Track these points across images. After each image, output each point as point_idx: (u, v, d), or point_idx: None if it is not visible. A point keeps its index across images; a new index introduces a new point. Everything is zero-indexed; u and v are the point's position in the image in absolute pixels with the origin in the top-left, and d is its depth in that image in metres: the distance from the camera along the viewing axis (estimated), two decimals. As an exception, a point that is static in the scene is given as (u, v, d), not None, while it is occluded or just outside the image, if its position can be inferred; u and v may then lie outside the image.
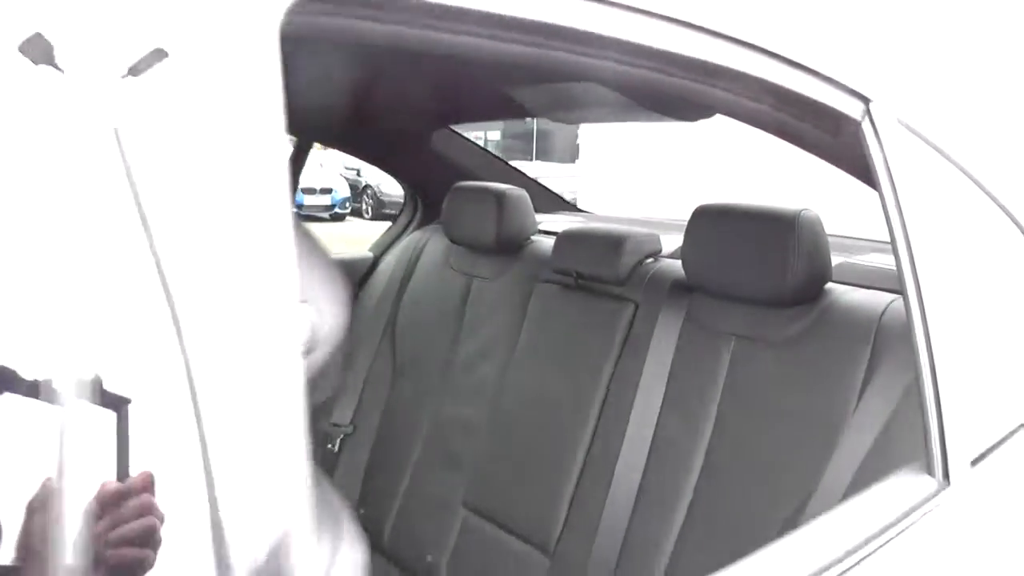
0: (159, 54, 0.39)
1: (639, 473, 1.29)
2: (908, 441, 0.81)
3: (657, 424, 1.29)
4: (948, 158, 0.88)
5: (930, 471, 0.74)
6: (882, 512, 0.69)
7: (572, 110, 1.38)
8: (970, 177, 0.90)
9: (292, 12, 0.41)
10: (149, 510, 0.38)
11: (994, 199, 0.92)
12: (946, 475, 0.75)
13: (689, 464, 1.24)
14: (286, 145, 1.21)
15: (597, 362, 1.40)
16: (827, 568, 0.63)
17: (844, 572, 0.63)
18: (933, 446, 0.74)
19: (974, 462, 0.78)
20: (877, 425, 1.02)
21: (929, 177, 0.85)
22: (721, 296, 1.24)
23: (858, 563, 0.64)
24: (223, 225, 0.41)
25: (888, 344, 1.05)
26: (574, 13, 0.55)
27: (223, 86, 0.41)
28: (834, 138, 0.83)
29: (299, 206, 16.19)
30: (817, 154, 0.93)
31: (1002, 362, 0.89)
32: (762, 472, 1.14)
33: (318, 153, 21.74)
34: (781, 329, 1.17)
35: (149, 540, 0.38)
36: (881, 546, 0.66)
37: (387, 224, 2.35)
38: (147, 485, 0.38)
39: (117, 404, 0.39)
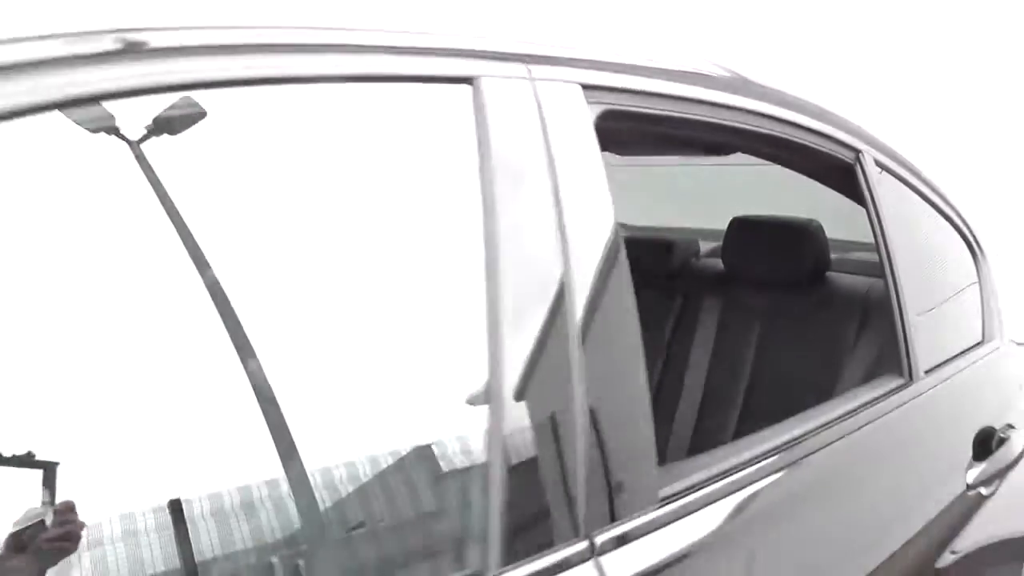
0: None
1: (694, 416, 1.80)
2: (884, 372, 1.32)
3: (706, 379, 1.81)
4: (906, 183, 1.41)
5: (900, 374, 1.26)
6: (866, 397, 1.20)
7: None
8: (920, 195, 1.43)
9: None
10: None
11: (938, 209, 1.46)
12: (910, 377, 1.27)
13: (732, 406, 1.76)
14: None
15: (656, 337, 1.89)
16: (820, 430, 1.09)
17: (836, 436, 1.10)
18: (903, 358, 1.26)
19: (928, 371, 1.30)
20: (864, 365, 1.54)
21: (895, 197, 1.37)
22: (752, 283, 1.76)
23: (845, 435, 1.12)
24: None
25: (871, 312, 1.58)
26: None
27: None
28: (835, 175, 1.36)
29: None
30: (818, 180, 1.44)
31: (945, 314, 1.42)
32: (787, 407, 1.65)
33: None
34: (797, 305, 1.69)
35: None
36: (862, 422, 1.16)
37: None
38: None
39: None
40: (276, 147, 0.72)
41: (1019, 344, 1.61)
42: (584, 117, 0.85)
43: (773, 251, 1.69)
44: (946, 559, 1.22)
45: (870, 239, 1.32)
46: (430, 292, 0.76)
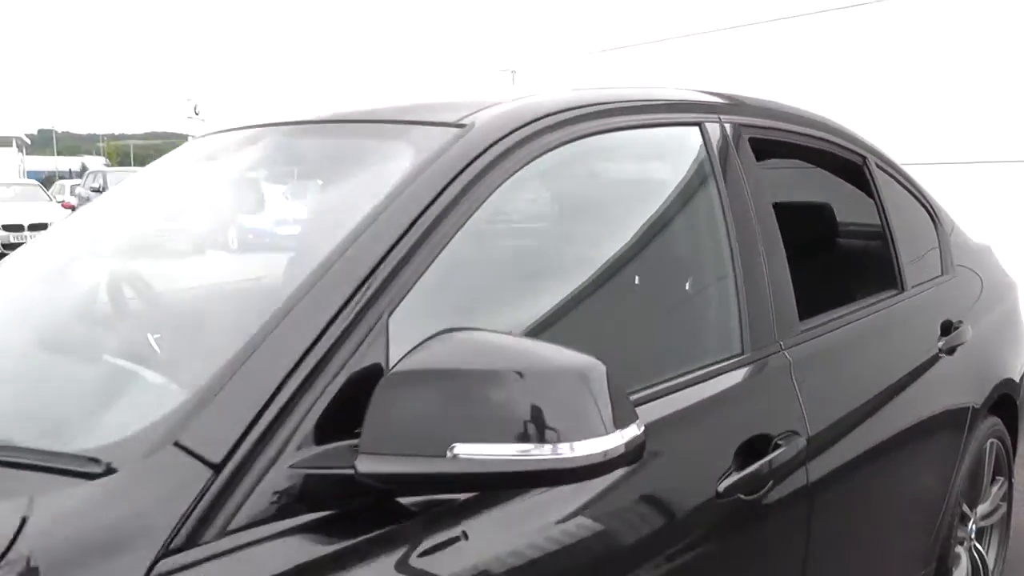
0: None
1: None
2: (886, 288, 2.22)
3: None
4: (893, 176, 2.32)
5: (896, 288, 2.18)
6: (879, 298, 2.11)
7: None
8: (902, 184, 2.34)
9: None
10: None
11: (912, 192, 2.37)
12: (903, 289, 2.18)
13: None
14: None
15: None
16: (854, 315, 2.00)
17: (863, 316, 2.01)
18: (897, 279, 2.17)
19: (913, 286, 2.22)
20: (869, 287, 2.42)
21: (888, 185, 2.28)
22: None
23: (866, 318, 2.03)
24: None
25: (869, 259, 2.46)
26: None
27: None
28: (851, 172, 2.25)
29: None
30: (840, 176, 2.32)
31: (919, 256, 2.34)
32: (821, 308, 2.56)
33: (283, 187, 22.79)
34: (818, 260, 2.58)
35: None
36: (879, 310, 2.06)
37: None
38: None
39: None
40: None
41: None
42: (744, 142, 1.73)
43: (798, 224, 2.57)
44: (916, 400, 2.10)
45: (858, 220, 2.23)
46: (694, 260, 1.62)
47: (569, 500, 1.09)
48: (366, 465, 0.87)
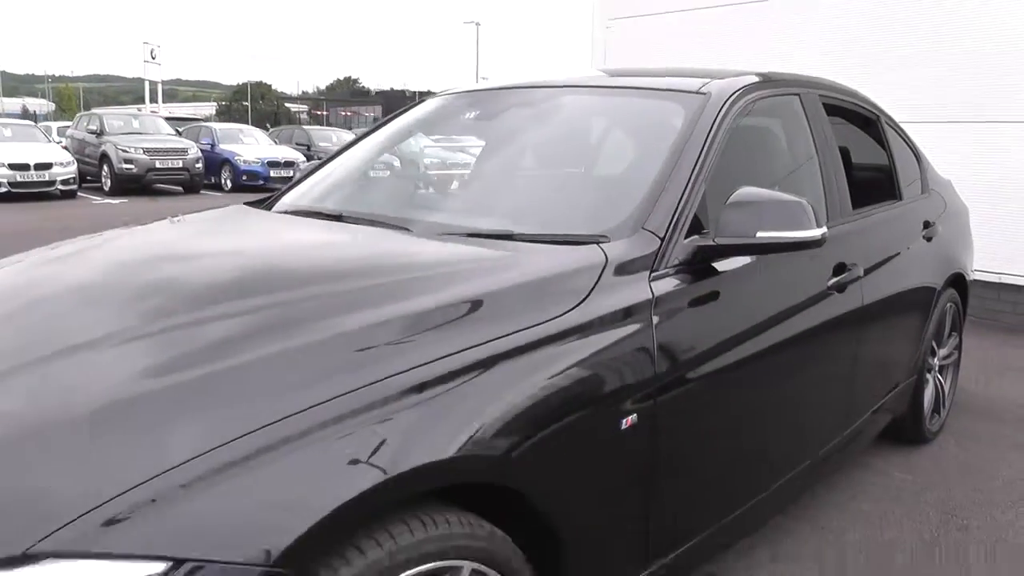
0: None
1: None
2: (888, 198, 3.48)
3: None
4: (895, 129, 3.59)
5: (895, 198, 3.46)
6: (886, 203, 3.38)
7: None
8: (899, 135, 3.62)
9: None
10: None
11: (905, 140, 3.66)
12: (901, 198, 3.46)
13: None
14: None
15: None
16: (869, 212, 3.26)
17: (876, 212, 3.26)
18: (897, 192, 3.45)
19: (906, 198, 3.50)
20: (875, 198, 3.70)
21: (891, 134, 3.54)
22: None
23: (877, 213, 3.28)
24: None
25: (881, 184, 3.74)
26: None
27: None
28: (869, 125, 3.50)
29: (265, 177, 18.03)
30: (861, 128, 3.57)
31: (908, 180, 3.62)
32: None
33: (272, 131, 23.35)
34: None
35: None
36: (885, 209, 3.34)
37: None
38: None
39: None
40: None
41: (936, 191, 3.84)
42: (819, 106, 2.95)
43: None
44: (904, 269, 3.40)
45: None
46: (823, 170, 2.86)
47: (774, 271, 2.32)
48: (720, 240, 2.06)
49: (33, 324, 1.69)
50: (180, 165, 16.25)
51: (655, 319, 1.87)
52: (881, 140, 3.55)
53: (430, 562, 1.38)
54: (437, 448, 1.38)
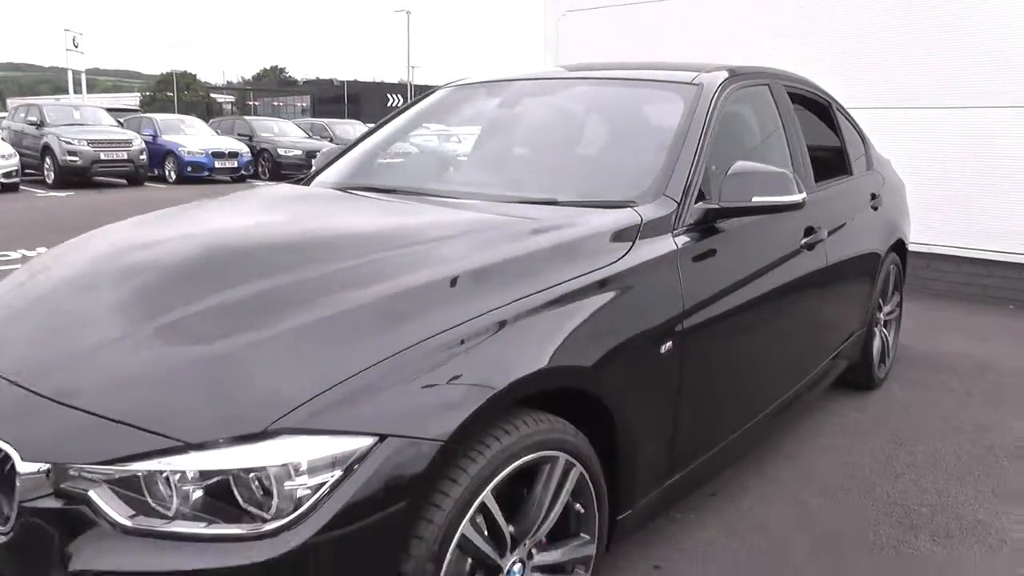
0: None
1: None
2: (839, 174, 3.99)
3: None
4: (845, 115, 4.10)
5: (846, 173, 3.97)
6: (837, 177, 3.88)
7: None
8: (847, 119, 4.13)
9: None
10: None
11: (852, 123, 4.18)
12: (851, 174, 3.97)
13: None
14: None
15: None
16: (828, 184, 3.76)
17: (829, 186, 3.76)
18: (848, 167, 3.96)
19: (855, 173, 4.02)
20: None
21: (841, 118, 4.05)
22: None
23: (831, 187, 3.79)
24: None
25: (831, 164, 4.25)
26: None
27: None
28: (822, 112, 4.00)
29: (210, 169, 17.99)
30: (815, 115, 4.07)
31: (856, 158, 4.14)
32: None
33: (212, 122, 23.13)
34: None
35: None
36: (837, 183, 3.83)
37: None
38: None
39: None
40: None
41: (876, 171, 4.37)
42: (785, 94, 3.43)
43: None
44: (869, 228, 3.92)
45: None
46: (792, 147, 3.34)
47: (762, 235, 2.78)
48: (724, 204, 2.50)
49: (198, 275, 2.02)
50: (125, 157, 16.11)
51: (680, 266, 2.31)
52: (833, 123, 4.05)
53: (538, 451, 1.78)
54: (542, 359, 1.78)
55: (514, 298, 1.84)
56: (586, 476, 1.95)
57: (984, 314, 6.31)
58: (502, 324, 1.77)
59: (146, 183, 17.11)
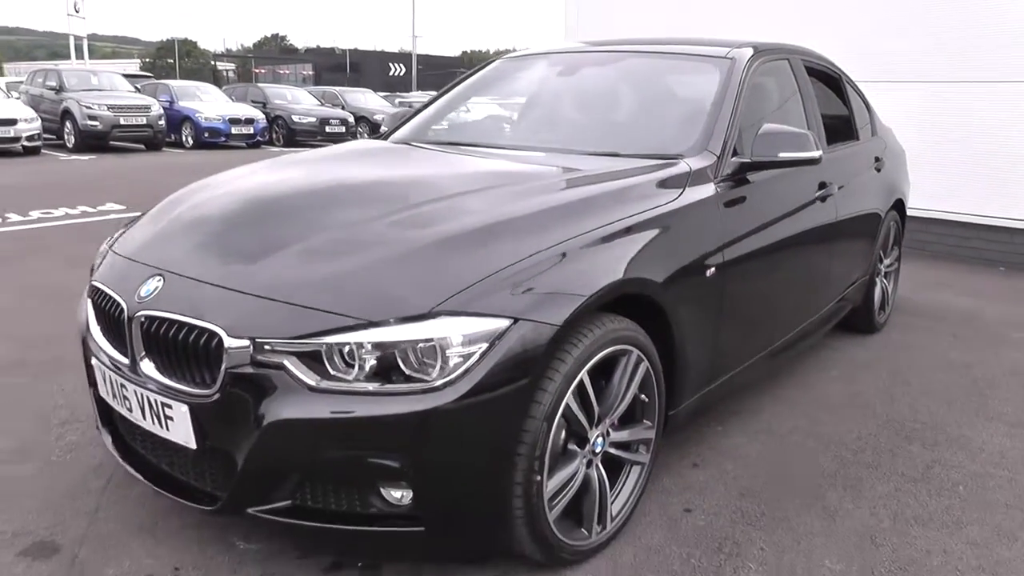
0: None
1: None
2: (846, 138, 4.47)
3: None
4: (853, 87, 4.57)
5: (852, 138, 4.45)
6: (843, 141, 4.35)
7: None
8: (855, 91, 4.61)
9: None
10: None
11: (859, 94, 4.65)
12: (858, 138, 4.45)
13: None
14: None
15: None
16: (838, 146, 4.22)
17: (839, 150, 4.23)
18: (854, 133, 4.44)
19: (860, 139, 4.50)
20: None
21: (850, 90, 4.52)
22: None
23: (841, 149, 4.25)
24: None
25: (839, 129, 4.73)
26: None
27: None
28: (832, 83, 4.47)
29: (227, 135, 18.38)
30: (828, 87, 4.54)
31: (863, 126, 4.63)
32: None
33: (225, 88, 23.43)
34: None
35: None
36: (848, 146, 4.29)
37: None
38: None
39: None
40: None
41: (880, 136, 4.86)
42: (802, 67, 3.90)
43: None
44: (865, 189, 4.41)
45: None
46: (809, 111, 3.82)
47: (785, 185, 3.27)
48: (755, 158, 2.99)
49: (347, 202, 2.55)
50: (144, 122, 16.47)
51: (720, 208, 2.80)
52: (842, 94, 4.53)
53: (618, 344, 2.29)
54: (625, 270, 2.29)
55: (599, 224, 2.34)
56: (651, 371, 2.46)
57: (976, 274, 6.83)
58: (593, 243, 2.27)
59: (163, 148, 17.51)
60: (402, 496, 2.00)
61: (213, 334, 2.02)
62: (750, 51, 3.44)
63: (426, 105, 3.93)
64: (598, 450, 2.34)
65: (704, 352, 2.77)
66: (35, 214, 8.39)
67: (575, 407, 2.19)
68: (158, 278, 2.24)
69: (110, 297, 2.33)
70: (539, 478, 2.08)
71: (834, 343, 4.62)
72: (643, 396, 2.49)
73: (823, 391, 3.90)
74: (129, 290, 2.26)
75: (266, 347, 1.97)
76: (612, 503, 2.44)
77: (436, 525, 2.02)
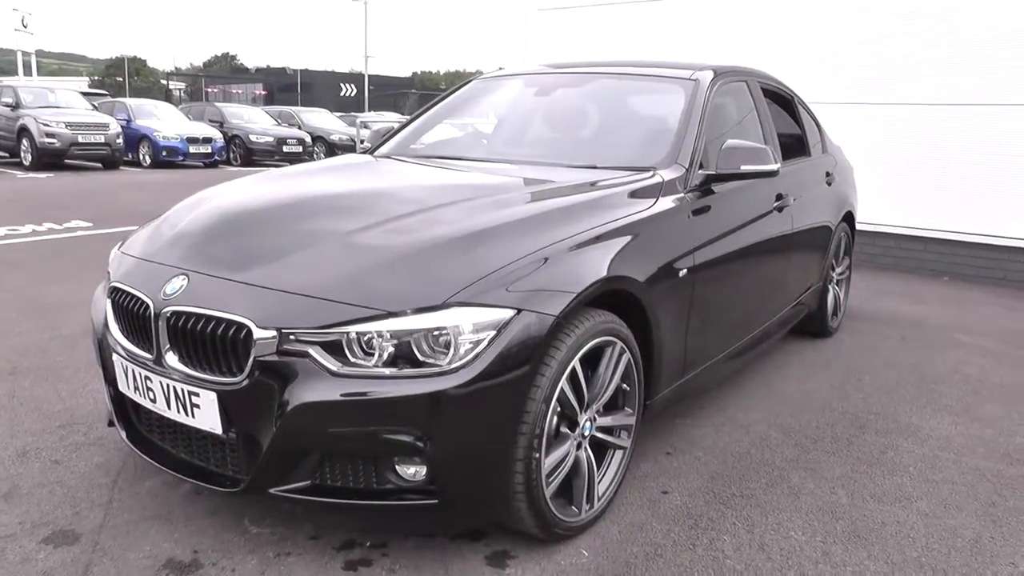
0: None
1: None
2: (799, 155, 4.79)
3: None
4: (804, 107, 4.90)
5: (805, 154, 4.77)
6: (794, 158, 4.67)
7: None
8: (807, 111, 4.95)
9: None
10: None
11: (810, 113, 4.99)
12: (809, 154, 4.78)
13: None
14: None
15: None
16: (791, 162, 4.54)
17: (792, 167, 4.55)
18: (807, 151, 4.77)
19: (810, 154, 4.83)
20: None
21: (804, 113, 4.85)
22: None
23: (792, 164, 4.58)
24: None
25: (792, 149, 5.06)
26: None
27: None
28: (785, 104, 4.80)
29: (184, 154, 18.34)
30: (781, 107, 4.87)
31: (814, 145, 4.96)
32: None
33: (182, 107, 23.33)
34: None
35: None
36: (798, 163, 4.63)
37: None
38: None
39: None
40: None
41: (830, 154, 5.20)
42: (758, 88, 4.22)
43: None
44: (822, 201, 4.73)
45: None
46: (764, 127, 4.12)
47: (746, 200, 3.56)
48: (720, 171, 3.27)
49: (356, 207, 2.76)
50: (103, 140, 16.38)
51: (689, 216, 3.07)
52: (795, 113, 4.86)
53: (605, 335, 2.52)
54: (609, 268, 2.53)
55: (586, 228, 2.58)
56: (632, 362, 2.70)
57: (922, 284, 7.23)
58: (582, 244, 2.51)
59: (121, 167, 17.41)
60: (415, 472, 2.20)
61: (242, 326, 2.21)
62: (711, 73, 3.73)
63: (407, 123, 4.15)
64: (587, 433, 2.57)
65: (677, 347, 3.02)
66: (1, 231, 8.38)
67: (568, 392, 2.41)
68: (182, 277, 2.42)
69: (134, 296, 2.50)
70: (538, 455, 2.30)
71: (791, 346, 4.92)
72: (625, 385, 2.72)
73: (782, 388, 4.18)
74: (154, 289, 2.43)
75: (291, 337, 2.16)
76: (599, 483, 2.66)
77: (447, 497, 2.22)
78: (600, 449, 2.70)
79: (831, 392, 4.16)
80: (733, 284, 3.50)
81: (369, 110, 45.74)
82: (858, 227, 5.65)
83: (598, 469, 2.67)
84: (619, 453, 2.77)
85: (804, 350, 4.89)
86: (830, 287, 5.10)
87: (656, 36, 8.67)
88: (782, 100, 4.76)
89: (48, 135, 15.75)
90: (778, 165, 3.37)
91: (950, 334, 5.42)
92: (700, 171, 3.26)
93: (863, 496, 2.97)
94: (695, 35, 8.41)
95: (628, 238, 2.69)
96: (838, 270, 5.27)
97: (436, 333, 2.14)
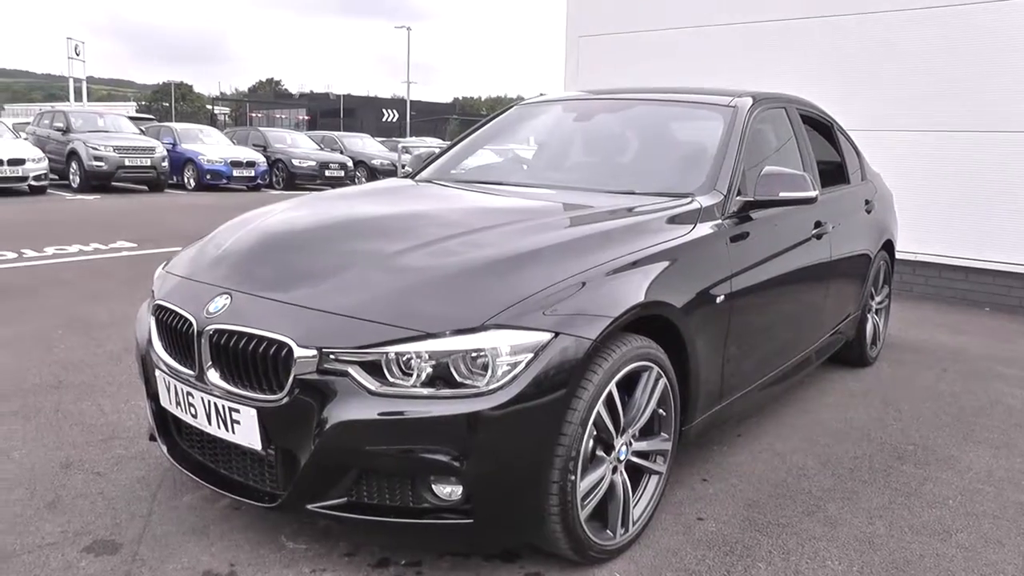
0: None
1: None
2: (837, 182, 4.77)
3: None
4: (843, 133, 4.89)
5: (844, 181, 4.75)
6: (836, 185, 4.65)
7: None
8: (846, 137, 4.93)
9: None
10: None
11: (849, 140, 4.97)
12: (848, 182, 4.76)
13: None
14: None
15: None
16: (831, 190, 4.52)
17: (832, 193, 4.53)
18: (846, 177, 4.74)
19: (850, 183, 4.80)
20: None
21: (843, 139, 4.84)
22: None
23: (833, 192, 4.57)
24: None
25: (831, 175, 5.04)
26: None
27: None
28: (824, 130, 4.79)
29: (228, 177, 18.70)
30: (821, 134, 4.86)
31: (854, 171, 4.94)
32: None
33: (227, 131, 23.85)
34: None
35: None
36: (839, 191, 4.60)
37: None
38: None
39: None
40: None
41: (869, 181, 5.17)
42: (797, 115, 4.22)
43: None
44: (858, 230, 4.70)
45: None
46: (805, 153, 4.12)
47: (787, 223, 3.55)
48: (758, 197, 3.27)
49: (400, 229, 2.80)
50: (148, 163, 16.77)
51: (727, 243, 3.07)
52: (834, 140, 4.85)
53: (641, 360, 2.53)
54: (648, 294, 2.54)
55: (625, 253, 2.60)
56: (668, 387, 2.70)
57: (962, 313, 7.12)
58: (620, 268, 2.53)
59: (166, 189, 17.79)
60: (451, 492, 2.22)
61: (283, 345, 2.25)
62: (750, 100, 3.75)
63: (448, 148, 4.21)
64: (622, 457, 2.57)
65: (714, 373, 3.01)
66: (50, 250, 8.61)
67: (604, 415, 2.42)
68: (225, 296, 2.47)
69: (177, 314, 2.56)
70: (573, 477, 2.30)
71: (830, 374, 4.87)
72: (661, 410, 2.72)
73: (820, 416, 4.14)
74: (198, 307, 2.49)
75: (331, 356, 2.20)
76: (634, 508, 2.66)
77: (482, 517, 2.23)
78: (636, 474, 2.70)
79: (870, 422, 4.10)
80: (770, 311, 3.48)
81: (410, 135, 46.25)
82: (899, 255, 5.59)
83: (633, 494, 2.66)
84: (655, 478, 2.76)
85: (843, 379, 4.84)
86: (869, 316, 5.05)
87: (696, 63, 8.69)
88: (821, 127, 4.75)
89: (96, 158, 16.15)
90: (816, 192, 3.36)
91: (991, 365, 5.33)
92: (738, 197, 3.26)
93: (901, 528, 2.93)
94: (735, 62, 8.43)
95: (666, 264, 2.70)
96: (877, 299, 5.21)
97: (474, 355, 2.17)
